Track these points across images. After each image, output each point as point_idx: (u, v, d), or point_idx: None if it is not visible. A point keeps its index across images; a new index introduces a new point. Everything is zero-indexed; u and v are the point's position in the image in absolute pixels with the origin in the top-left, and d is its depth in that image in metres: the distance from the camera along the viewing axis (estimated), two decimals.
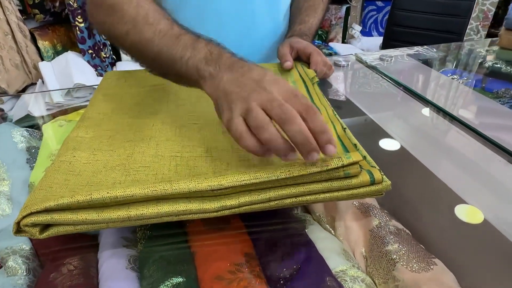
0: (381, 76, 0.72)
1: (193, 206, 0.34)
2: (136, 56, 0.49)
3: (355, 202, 0.48)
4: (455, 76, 0.77)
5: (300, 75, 0.63)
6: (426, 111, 0.63)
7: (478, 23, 2.24)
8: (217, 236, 0.43)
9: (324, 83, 0.63)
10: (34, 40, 1.93)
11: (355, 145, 0.43)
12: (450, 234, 0.45)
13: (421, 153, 0.54)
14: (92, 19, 0.53)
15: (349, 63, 0.76)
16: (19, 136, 0.55)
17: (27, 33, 1.89)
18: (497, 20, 2.33)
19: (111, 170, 0.39)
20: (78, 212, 0.33)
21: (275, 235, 0.43)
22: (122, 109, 0.53)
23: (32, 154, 0.53)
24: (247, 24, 0.75)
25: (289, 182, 0.35)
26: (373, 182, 0.36)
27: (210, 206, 0.34)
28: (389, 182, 0.37)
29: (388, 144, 0.57)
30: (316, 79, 0.61)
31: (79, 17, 1.91)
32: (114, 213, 0.33)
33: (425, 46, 0.84)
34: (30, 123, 1.26)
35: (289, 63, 0.66)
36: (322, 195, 0.36)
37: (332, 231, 0.46)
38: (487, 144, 0.54)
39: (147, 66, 0.50)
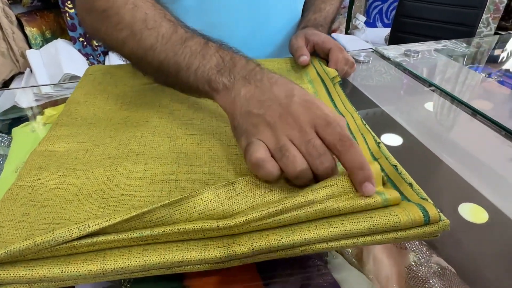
0: (408, 74, 0.63)
1: (193, 255, 0.26)
2: (137, 65, 0.43)
3: None
4: (487, 72, 0.69)
5: (318, 73, 0.54)
6: (462, 113, 0.55)
7: (489, 15, 2.15)
8: (220, 274, 0.35)
9: (342, 83, 0.54)
10: (21, 27, 1.83)
11: (395, 166, 0.34)
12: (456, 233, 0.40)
13: (459, 163, 0.46)
14: (84, 24, 0.46)
15: (370, 59, 0.67)
16: None
17: (14, 18, 1.78)
18: (508, 13, 2.24)
19: (85, 200, 0.30)
20: (34, 266, 0.24)
21: (290, 272, 0.35)
22: (104, 114, 0.44)
23: None
24: (261, 14, 0.66)
25: (319, 220, 0.27)
26: (427, 222, 0.28)
27: (214, 254, 0.26)
28: (448, 221, 0.28)
29: (423, 155, 0.49)
30: (338, 79, 0.52)
31: (69, 2, 1.80)
32: (84, 266, 0.24)
33: (453, 40, 0.75)
34: (17, 115, 1.17)
35: (305, 57, 0.56)
36: (361, 239, 0.28)
37: (359, 266, 0.38)
38: None
39: (150, 76, 0.44)
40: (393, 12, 2.14)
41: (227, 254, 0.26)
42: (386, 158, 0.35)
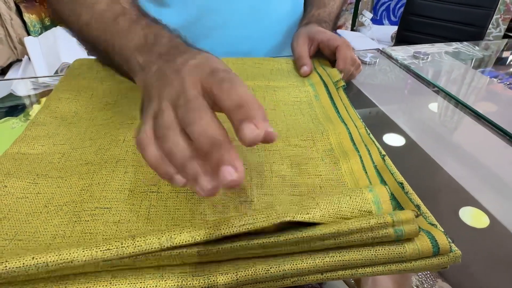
0: (416, 78, 0.59)
1: (168, 284, 0.22)
2: (83, 44, 0.41)
3: None
4: (500, 77, 0.65)
5: (321, 77, 0.50)
6: (471, 121, 0.52)
7: (499, 16, 2.09)
8: None
9: (346, 87, 0.50)
10: (20, 13, 1.79)
11: (401, 184, 0.31)
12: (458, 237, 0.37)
13: (462, 167, 0.43)
14: (51, 11, 0.43)
15: (377, 60, 0.64)
16: None
17: (12, 5, 1.74)
18: None
19: (54, 212, 0.27)
20: None
21: None
22: (87, 113, 0.40)
23: None
24: (261, 2, 0.62)
25: (314, 245, 0.24)
26: (436, 253, 0.24)
27: (193, 283, 0.23)
28: (459, 252, 0.25)
29: (427, 159, 0.46)
30: (342, 83, 0.48)
31: None
32: None
33: (465, 43, 0.72)
34: (14, 103, 1.13)
35: (306, 69, 0.52)
36: (361, 270, 0.25)
37: None
38: None
39: (97, 58, 0.42)
40: (401, 10, 2.09)
41: (207, 285, 0.23)
42: (392, 174, 0.32)
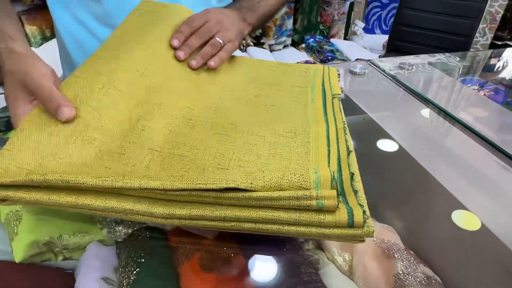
0: (402, 87, 0.65)
1: (141, 207, 0.31)
2: None
3: (375, 239, 0.41)
4: (478, 86, 0.70)
5: (323, 84, 0.55)
6: (450, 127, 0.57)
7: (485, 25, 2.18)
8: (214, 280, 0.36)
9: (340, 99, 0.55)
10: (21, 25, 1.82)
11: (352, 174, 0.36)
12: (448, 240, 0.43)
13: (440, 172, 0.48)
14: None
15: (366, 71, 0.69)
16: None
17: None
18: (504, 23, 2.28)
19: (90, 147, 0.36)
20: (31, 191, 0.32)
21: (282, 279, 0.37)
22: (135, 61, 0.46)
23: None
24: None
25: (251, 203, 0.30)
26: (351, 225, 0.30)
27: (158, 210, 0.31)
28: (373, 228, 0.30)
29: (409, 165, 0.51)
30: (339, 95, 0.53)
31: None
32: (63, 197, 0.32)
33: (447, 54, 0.77)
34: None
35: (180, 53, 0.50)
36: (286, 227, 0.31)
37: (349, 274, 0.40)
38: None
39: None
40: (392, 19, 2.16)
41: (168, 212, 0.31)
42: (349, 165, 0.37)
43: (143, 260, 0.36)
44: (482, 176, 0.48)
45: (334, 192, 0.29)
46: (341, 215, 0.30)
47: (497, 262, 0.40)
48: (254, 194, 0.29)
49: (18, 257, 0.35)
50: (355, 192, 0.34)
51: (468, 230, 0.42)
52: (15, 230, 0.37)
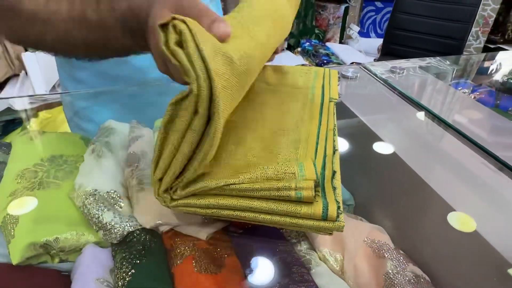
0: (393, 91, 0.66)
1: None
2: (62, 50, 0.46)
3: (366, 239, 0.42)
4: (467, 90, 0.72)
5: (323, 87, 0.56)
6: (439, 130, 0.58)
7: (478, 28, 2.21)
8: (208, 280, 0.37)
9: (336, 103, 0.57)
10: None
11: (334, 172, 0.37)
12: (437, 240, 0.44)
13: (430, 174, 0.49)
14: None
15: (358, 75, 0.70)
16: None
17: None
18: (497, 26, 2.31)
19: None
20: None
21: (275, 279, 0.37)
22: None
23: None
24: None
25: (235, 193, 0.33)
26: (324, 218, 0.31)
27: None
28: (343, 223, 0.32)
29: (399, 167, 0.52)
30: (335, 100, 0.54)
31: None
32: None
33: (438, 58, 0.79)
34: (11, 117, 1.17)
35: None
36: (262, 216, 0.33)
37: (341, 273, 0.40)
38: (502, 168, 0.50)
39: (81, 55, 0.47)
40: (386, 23, 2.19)
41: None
42: (332, 163, 0.38)
43: (137, 261, 0.36)
44: (470, 178, 0.49)
45: (311, 182, 0.31)
46: (317, 208, 0.31)
47: (484, 261, 0.41)
48: (240, 186, 0.32)
49: (15, 259, 0.36)
50: (334, 188, 0.35)
51: (457, 230, 0.43)
52: (12, 233, 0.37)
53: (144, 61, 0.62)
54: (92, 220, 0.40)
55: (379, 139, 0.54)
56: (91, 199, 0.41)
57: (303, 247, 0.43)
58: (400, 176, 0.50)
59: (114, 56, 0.46)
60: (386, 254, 0.40)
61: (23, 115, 0.87)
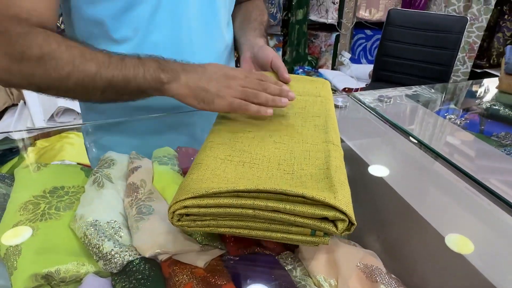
0: (381, 119, 0.69)
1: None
2: (81, 93, 0.51)
3: (359, 264, 0.44)
4: (452, 116, 0.75)
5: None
6: (426, 156, 0.61)
7: (464, 54, 2.29)
8: None
9: None
10: None
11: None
12: (427, 265, 0.47)
13: (416, 200, 0.51)
14: (11, 76, 0.48)
15: (347, 104, 0.74)
16: None
17: None
18: (482, 52, 2.40)
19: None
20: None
21: None
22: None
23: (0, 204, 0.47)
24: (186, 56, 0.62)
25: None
26: (313, 234, 0.38)
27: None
28: (328, 239, 0.38)
29: (390, 196, 0.54)
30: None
31: None
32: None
33: (423, 86, 0.83)
34: (9, 146, 1.19)
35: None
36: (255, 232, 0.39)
37: None
38: (487, 194, 0.52)
39: (94, 99, 0.53)
40: (376, 50, 2.27)
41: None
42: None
43: None
44: (454, 202, 0.51)
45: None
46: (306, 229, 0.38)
47: (472, 285, 0.42)
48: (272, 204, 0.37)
49: None
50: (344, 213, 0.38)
51: (446, 254, 0.45)
52: (15, 264, 0.38)
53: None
54: (92, 250, 0.41)
55: (367, 165, 0.57)
56: (92, 229, 0.43)
57: (298, 273, 0.44)
58: (390, 203, 0.52)
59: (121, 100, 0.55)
60: (378, 278, 0.41)
61: (21, 144, 0.88)
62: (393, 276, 0.42)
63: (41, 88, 0.50)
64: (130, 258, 0.41)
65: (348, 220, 0.37)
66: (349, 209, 0.37)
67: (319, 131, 0.52)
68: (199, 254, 0.43)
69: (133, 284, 0.38)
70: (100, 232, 0.43)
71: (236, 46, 0.77)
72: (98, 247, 0.41)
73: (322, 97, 0.61)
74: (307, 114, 0.56)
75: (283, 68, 0.62)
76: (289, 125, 0.53)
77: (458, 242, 0.46)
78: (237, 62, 0.76)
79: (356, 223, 0.37)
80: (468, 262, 0.43)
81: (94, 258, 0.41)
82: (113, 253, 0.41)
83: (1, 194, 0.49)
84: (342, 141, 0.52)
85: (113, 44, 0.61)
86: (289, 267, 0.45)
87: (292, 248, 0.47)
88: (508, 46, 0.81)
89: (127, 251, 0.41)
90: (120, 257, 0.41)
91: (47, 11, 0.51)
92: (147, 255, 0.41)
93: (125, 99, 0.54)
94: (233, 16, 0.75)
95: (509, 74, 0.78)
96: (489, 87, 0.90)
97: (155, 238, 0.42)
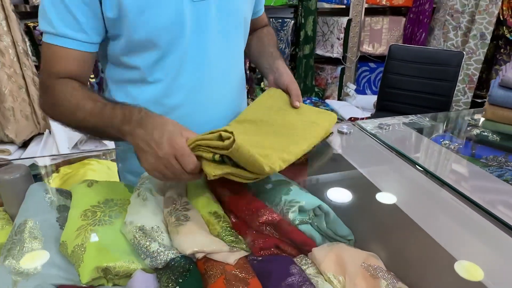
0: (381, 143, 0.79)
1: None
2: (81, 131, 0.69)
3: (363, 263, 0.51)
4: (446, 142, 0.84)
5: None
6: (420, 176, 0.69)
7: (465, 85, 2.40)
8: None
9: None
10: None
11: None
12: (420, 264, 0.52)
13: (418, 217, 0.59)
14: (44, 111, 0.70)
15: (351, 130, 0.84)
16: (50, 195, 0.59)
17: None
18: (482, 83, 2.51)
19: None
20: None
21: None
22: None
23: (61, 213, 0.57)
24: (207, 91, 0.76)
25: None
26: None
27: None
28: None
29: (388, 209, 0.62)
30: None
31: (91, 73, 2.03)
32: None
33: (419, 115, 0.93)
34: (34, 172, 1.29)
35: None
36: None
37: None
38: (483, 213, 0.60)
39: (93, 135, 0.70)
40: (380, 82, 2.39)
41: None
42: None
43: (181, 280, 0.46)
44: (449, 219, 0.59)
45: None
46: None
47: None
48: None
49: (84, 279, 0.46)
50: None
51: (440, 265, 0.52)
52: (81, 258, 0.47)
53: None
54: (141, 250, 0.50)
55: (372, 186, 0.65)
56: (140, 232, 0.52)
57: (311, 271, 0.52)
58: (389, 216, 0.60)
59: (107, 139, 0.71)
60: (380, 274, 0.49)
61: (43, 171, 0.98)
62: (391, 273, 0.50)
63: (64, 125, 0.68)
64: (173, 256, 0.50)
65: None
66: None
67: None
68: (229, 253, 0.51)
69: (176, 275, 0.47)
70: (147, 235, 0.52)
71: (257, 68, 0.92)
72: (146, 247, 0.50)
73: (318, 124, 0.72)
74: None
75: (294, 96, 0.77)
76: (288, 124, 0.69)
77: (453, 252, 0.53)
78: (248, 81, 0.91)
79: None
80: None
81: (142, 256, 0.50)
82: (158, 251, 0.50)
83: (62, 206, 0.59)
84: (348, 163, 0.61)
85: (147, 85, 0.72)
86: (304, 267, 0.53)
87: (305, 252, 0.55)
88: (492, 80, 0.91)
89: (169, 250, 0.50)
90: (164, 255, 0.49)
91: (78, 72, 0.66)
92: (187, 253, 0.50)
93: (110, 139, 0.69)
94: (248, 45, 0.87)
95: (492, 104, 0.88)
96: (478, 116, 0.99)
97: (193, 239, 0.51)
